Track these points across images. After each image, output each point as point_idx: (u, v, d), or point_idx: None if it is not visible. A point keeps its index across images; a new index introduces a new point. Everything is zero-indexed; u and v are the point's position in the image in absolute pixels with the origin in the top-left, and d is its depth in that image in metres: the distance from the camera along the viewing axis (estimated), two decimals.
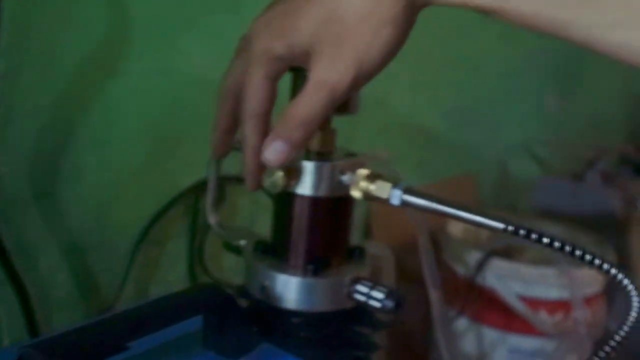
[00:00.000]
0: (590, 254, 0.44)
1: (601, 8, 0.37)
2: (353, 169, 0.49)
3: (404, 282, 0.71)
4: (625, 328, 0.49)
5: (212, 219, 0.59)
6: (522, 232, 0.44)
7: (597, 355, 0.53)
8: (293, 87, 0.48)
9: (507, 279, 0.82)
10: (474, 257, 0.84)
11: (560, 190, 1.10)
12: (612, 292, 0.93)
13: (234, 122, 0.49)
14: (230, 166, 0.63)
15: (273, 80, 0.43)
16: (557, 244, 0.44)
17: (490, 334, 0.85)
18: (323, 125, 0.50)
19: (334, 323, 0.50)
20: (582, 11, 0.37)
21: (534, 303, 0.83)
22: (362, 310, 0.51)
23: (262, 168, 0.47)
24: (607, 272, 0.44)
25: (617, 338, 0.50)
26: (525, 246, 0.92)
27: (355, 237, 0.85)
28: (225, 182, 0.70)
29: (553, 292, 0.82)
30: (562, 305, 0.83)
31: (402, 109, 0.95)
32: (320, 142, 0.50)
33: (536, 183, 1.14)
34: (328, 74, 0.41)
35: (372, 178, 0.48)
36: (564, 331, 0.83)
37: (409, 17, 0.41)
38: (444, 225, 0.93)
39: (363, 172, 0.48)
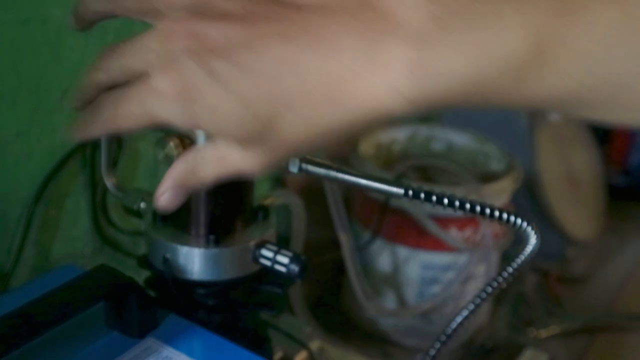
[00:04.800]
0: (483, 205, 0.44)
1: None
2: None
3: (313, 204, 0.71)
4: (518, 261, 0.49)
5: (109, 183, 0.56)
6: (421, 195, 0.43)
7: (490, 285, 0.54)
8: None
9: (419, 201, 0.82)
10: None
11: None
12: (518, 200, 0.96)
13: None
14: None
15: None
16: (457, 204, 0.44)
17: (404, 252, 0.87)
18: None
19: (241, 288, 0.50)
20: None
21: (444, 221, 0.85)
22: (269, 270, 0.51)
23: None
24: (498, 218, 0.45)
25: (510, 270, 0.51)
26: (435, 165, 0.93)
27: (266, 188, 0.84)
28: None
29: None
30: (471, 222, 0.85)
31: None
32: None
33: None
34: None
35: None
36: (474, 245, 0.86)
37: None
38: (354, 145, 0.93)
39: None
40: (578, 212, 1.11)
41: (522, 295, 1.00)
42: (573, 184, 1.12)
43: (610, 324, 0.97)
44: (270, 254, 0.49)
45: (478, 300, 0.49)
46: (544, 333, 0.94)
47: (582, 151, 1.16)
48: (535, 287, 1.03)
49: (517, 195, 0.93)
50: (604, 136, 1.27)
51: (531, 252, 0.46)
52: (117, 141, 0.65)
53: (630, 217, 1.23)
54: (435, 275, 0.87)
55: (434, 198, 0.43)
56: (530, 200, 1.06)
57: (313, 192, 0.76)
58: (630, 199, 1.26)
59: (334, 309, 0.93)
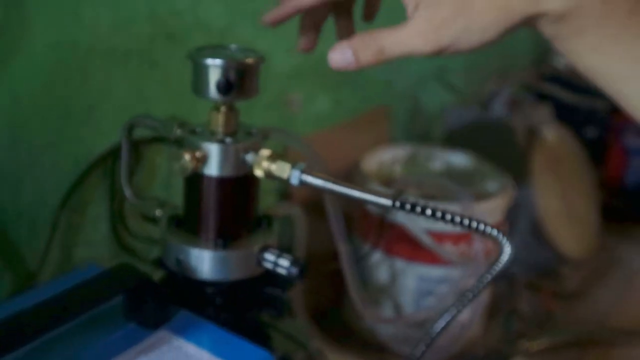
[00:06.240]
0: (460, 216, 0.49)
1: None
2: (256, 148, 0.53)
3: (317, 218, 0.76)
4: (495, 269, 0.54)
5: (127, 192, 0.62)
6: (407, 206, 0.48)
7: (471, 292, 0.58)
8: None
9: (415, 216, 0.87)
10: None
11: (467, 119, 1.16)
12: (512, 216, 1.01)
13: None
14: (143, 131, 0.66)
15: None
16: (438, 214, 0.49)
17: (401, 264, 0.92)
18: (229, 107, 0.54)
19: (246, 288, 0.55)
20: None
21: (439, 236, 0.90)
22: (271, 273, 0.56)
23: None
24: (475, 229, 0.50)
25: (488, 277, 0.55)
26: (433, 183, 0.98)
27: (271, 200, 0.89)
28: (140, 145, 0.72)
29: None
30: (465, 237, 0.90)
31: (312, 53, 0.97)
32: (224, 124, 0.53)
33: (445, 112, 1.19)
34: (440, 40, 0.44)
35: (273, 158, 0.52)
36: (467, 260, 0.91)
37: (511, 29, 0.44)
38: (357, 163, 0.98)
39: (265, 152, 0.52)
40: (572, 231, 1.16)
41: (515, 310, 1.05)
42: (568, 203, 1.16)
43: (601, 338, 1.01)
44: (272, 258, 0.54)
45: (460, 306, 0.54)
46: (535, 346, 0.98)
47: (577, 171, 1.21)
48: (529, 303, 1.07)
49: (512, 214, 0.98)
50: (599, 157, 1.31)
51: (507, 260, 0.51)
52: (135, 154, 0.71)
53: (625, 237, 1.27)
54: (431, 288, 0.92)
55: (418, 209, 0.48)
56: (525, 218, 1.11)
57: (317, 206, 0.81)
58: (625, 219, 1.31)
59: (335, 318, 0.98)
